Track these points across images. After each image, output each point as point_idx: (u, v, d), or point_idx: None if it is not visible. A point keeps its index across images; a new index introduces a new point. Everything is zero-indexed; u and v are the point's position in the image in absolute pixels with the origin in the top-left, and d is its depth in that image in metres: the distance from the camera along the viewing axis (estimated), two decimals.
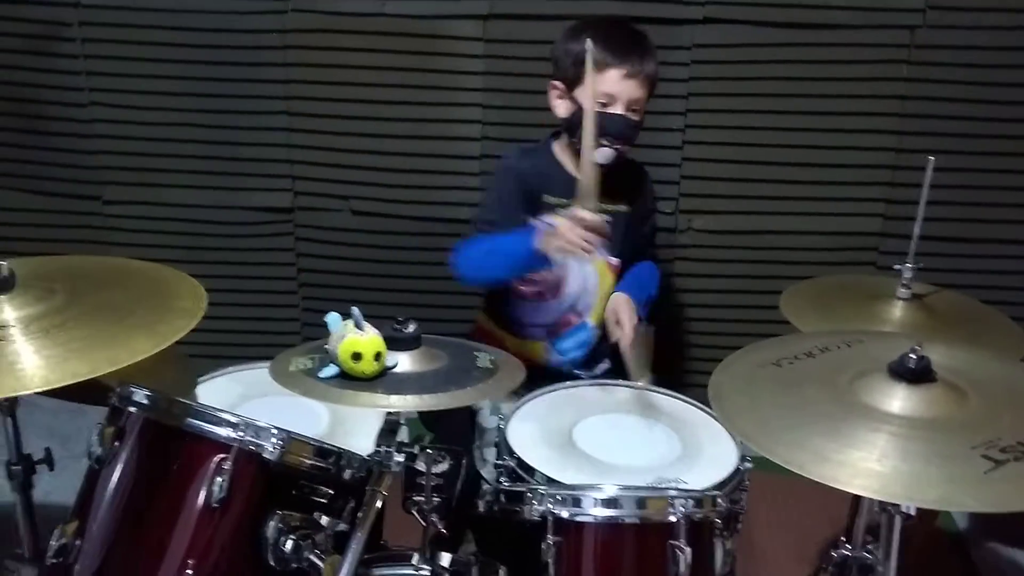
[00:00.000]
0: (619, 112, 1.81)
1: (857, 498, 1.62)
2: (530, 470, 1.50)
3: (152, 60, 2.54)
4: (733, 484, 1.50)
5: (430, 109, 2.54)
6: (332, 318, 1.33)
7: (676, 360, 2.69)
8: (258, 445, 1.32)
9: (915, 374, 1.20)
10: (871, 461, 1.08)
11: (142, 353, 1.20)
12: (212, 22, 2.49)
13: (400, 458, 1.32)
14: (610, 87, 1.80)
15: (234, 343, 2.70)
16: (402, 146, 2.57)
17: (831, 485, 1.05)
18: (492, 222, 1.89)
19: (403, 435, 1.36)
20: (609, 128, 1.79)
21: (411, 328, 1.31)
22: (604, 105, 1.80)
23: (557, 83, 1.89)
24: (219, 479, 1.30)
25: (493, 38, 2.45)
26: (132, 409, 1.37)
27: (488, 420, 1.82)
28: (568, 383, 1.83)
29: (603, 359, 2.04)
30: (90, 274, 1.45)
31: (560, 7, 2.39)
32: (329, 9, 2.47)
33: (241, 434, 1.32)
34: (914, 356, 1.20)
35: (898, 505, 1.20)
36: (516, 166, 1.94)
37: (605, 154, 1.80)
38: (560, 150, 1.96)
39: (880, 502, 1.22)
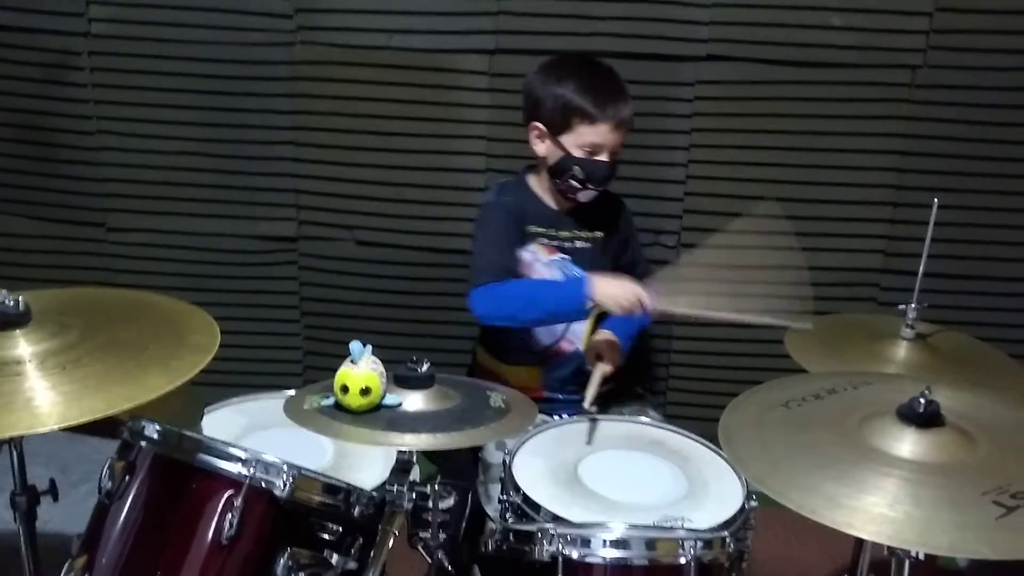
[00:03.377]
0: (604, 160, 1.88)
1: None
2: (536, 507, 1.50)
3: (160, 90, 2.56)
4: (740, 523, 1.50)
5: (435, 141, 2.56)
6: (355, 345, 1.34)
7: (679, 394, 2.70)
8: (269, 482, 1.32)
9: (924, 418, 1.21)
10: (883, 507, 1.09)
11: (158, 390, 1.20)
12: (220, 53, 2.52)
13: (412, 497, 1.32)
14: (599, 138, 1.87)
15: (235, 371, 2.70)
16: (407, 177, 2.59)
17: (845, 531, 1.06)
18: (495, 263, 1.91)
19: (415, 474, 1.36)
20: (595, 175, 1.89)
21: (424, 367, 1.32)
22: (590, 153, 1.88)
23: (539, 125, 1.92)
24: (229, 515, 1.30)
25: (499, 72, 2.47)
26: (143, 443, 1.37)
27: (493, 456, 1.83)
28: (574, 418, 1.84)
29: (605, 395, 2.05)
30: (103, 308, 1.45)
31: (565, 43, 2.41)
32: (337, 42, 2.50)
33: (252, 470, 1.32)
34: (923, 400, 1.21)
35: (908, 549, 1.20)
36: (503, 201, 1.99)
37: (587, 195, 1.92)
38: (535, 182, 2.02)
39: (888, 545, 1.22)
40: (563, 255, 1.99)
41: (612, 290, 1.81)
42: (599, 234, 2.03)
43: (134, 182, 2.65)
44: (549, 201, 2.00)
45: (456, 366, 2.27)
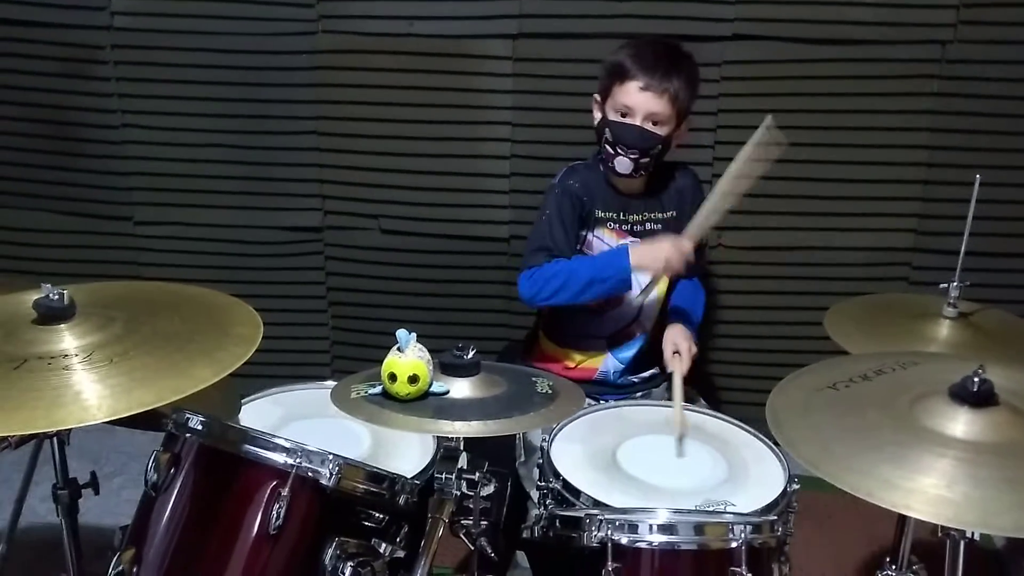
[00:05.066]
0: (635, 123, 1.85)
1: (903, 517, 1.62)
2: (576, 492, 1.50)
3: (183, 82, 2.56)
4: (783, 506, 1.49)
5: (459, 128, 2.55)
6: (401, 333, 1.34)
7: (715, 379, 2.69)
8: (315, 471, 1.32)
9: (978, 398, 1.19)
10: (941, 488, 1.07)
11: (204, 381, 1.20)
12: (242, 44, 2.51)
13: (462, 486, 1.31)
14: (627, 99, 1.85)
15: (264, 361, 2.68)
16: (431, 164, 2.58)
17: (904, 513, 1.05)
18: (551, 246, 1.91)
19: (463, 461, 1.35)
20: (622, 138, 1.86)
21: (471, 354, 1.31)
22: (623, 116, 1.86)
23: (596, 95, 1.94)
24: (276, 506, 1.29)
25: (522, 57, 2.46)
26: (188, 435, 1.37)
27: (536, 437, 1.82)
28: (612, 403, 1.84)
29: (653, 365, 2.06)
30: (143, 301, 1.44)
31: (588, 25, 2.40)
32: (358, 30, 2.49)
33: (298, 460, 1.32)
34: (976, 379, 1.19)
35: (963, 530, 1.19)
36: (569, 185, 1.96)
37: (622, 163, 1.88)
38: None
39: (942, 526, 1.21)
40: (633, 239, 1.97)
41: (650, 253, 1.83)
42: (672, 213, 1.99)
43: (159, 175, 2.66)
44: (618, 183, 1.97)
45: (485, 353, 2.26)
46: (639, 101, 1.84)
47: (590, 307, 1.98)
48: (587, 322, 2.01)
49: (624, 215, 1.97)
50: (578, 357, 2.04)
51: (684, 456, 1.66)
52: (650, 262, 1.84)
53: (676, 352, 1.91)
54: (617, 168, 1.89)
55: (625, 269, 1.84)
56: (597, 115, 1.93)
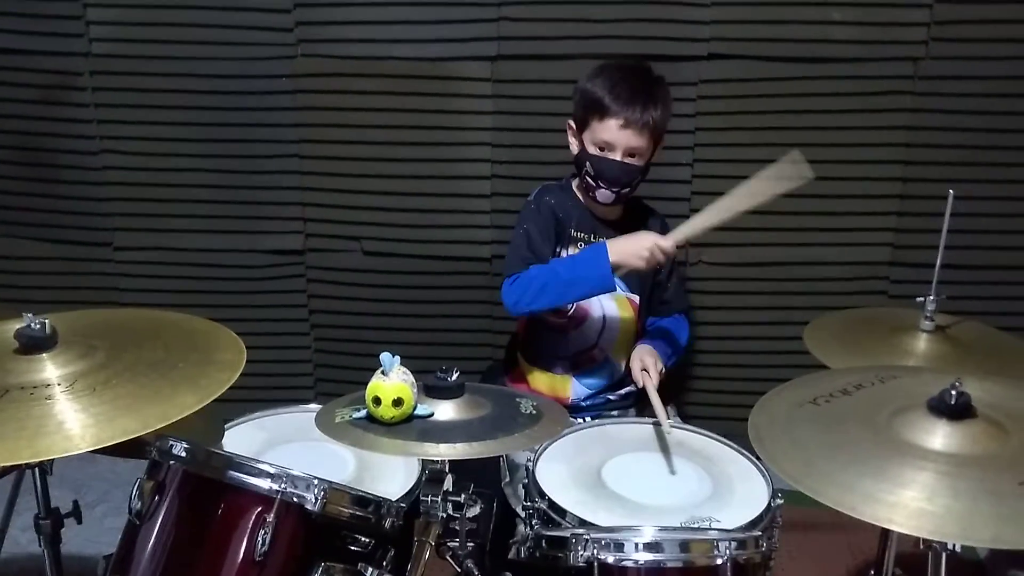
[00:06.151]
0: (616, 159, 1.87)
1: (886, 529, 1.63)
2: (562, 512, 1.50)
3: (162, 107, 2.56)
4: (767, 521, 1.50)
5: (440, 149, 2.56)
6: (385, 356, 1.34)
7: (694, 394, 2.70)
8: (300, 496, 1.32)
9: (956, 410, 1.21)
10: (922, 501, 1.08)
11: (188, 408, 1.20)
12: (222, 68, 2.52)
13: (448, 508, 1.32)
14: (607, 135, 1.87)
15: (247, 386, 2.67)
16: (413, 186, 2.59)
17: (886, 527, 1.06)
18: (531, 256, 1.93)
19: (448, 484, 1.36)
20: (603, 173, 1.89)
21: (455, 376, 1.32)
22: (602, 150, 1.88)
23: (570, 122, 1.96)
24: (261, 532, 1.29)
25: (501, 78, 2.48)
26: (171, 462, 1.37)
27: (519, 455, 1.83)
28: (595, 421, 1.84)
29: (626, 386, 2.07)
30: (125, 328, 1.44)
31: (567, 47, 2.42)
32: (338, 53, 2.50)
33: (283, 485, 1.32)
34: (954, 392, 1.21)
35: (945, 542, 1.20)
36: (545, 202, 1.98)
37: (604, 195, 1.91)
38: (576, 187, 2.03)
39: (925, 539, 1.22)
40: None
41: (629, 246, 1.83)
42: None
43: (139, 200, 2.65)
44: (595, 209, 2.00)
45: (470, 373, 2.27)
46: (619, 138, 1.86)
47: (555, 326, 2.01)
48: (552, 341, 2.03)
49: (595, 237, 1.98)
50: (540, 377, 2.05)
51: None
52: (630, 257, 1.82)
53: (644, 370, 1.93)
54: (599, 199, 1.93)
55: (604, 264, 1.83)
56: (573, 141, 1.95)
